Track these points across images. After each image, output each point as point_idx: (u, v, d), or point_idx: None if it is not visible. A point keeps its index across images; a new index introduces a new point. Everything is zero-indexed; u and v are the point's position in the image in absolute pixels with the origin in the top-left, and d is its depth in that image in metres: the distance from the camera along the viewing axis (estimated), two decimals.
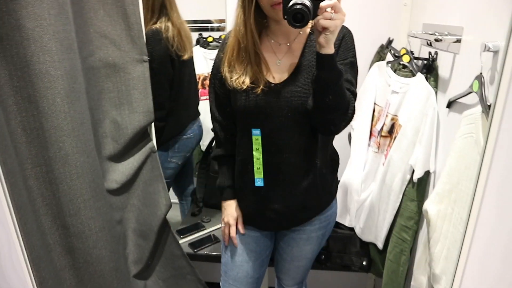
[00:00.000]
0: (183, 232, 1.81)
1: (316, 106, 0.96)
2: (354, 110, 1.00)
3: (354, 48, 1.03)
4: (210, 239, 1.79)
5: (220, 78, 1.08)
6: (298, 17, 0.82)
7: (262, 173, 1.09)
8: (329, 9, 0.82)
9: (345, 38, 1.01)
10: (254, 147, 1.07)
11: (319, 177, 1.10)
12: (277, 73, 1.04)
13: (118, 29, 1.27)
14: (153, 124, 1.46)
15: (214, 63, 1.14)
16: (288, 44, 1.05)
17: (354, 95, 1.01)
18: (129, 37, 1.30)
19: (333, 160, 1.20)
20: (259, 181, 1.10)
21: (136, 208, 1.49)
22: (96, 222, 1.19)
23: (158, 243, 1.59)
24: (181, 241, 1.77)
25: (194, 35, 1.91)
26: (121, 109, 1.35)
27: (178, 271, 1.65)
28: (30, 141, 1.02)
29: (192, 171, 2.01)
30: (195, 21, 1.89)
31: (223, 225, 1.24)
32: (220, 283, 1.30)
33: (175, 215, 2.00)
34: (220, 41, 1.28)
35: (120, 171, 1.39)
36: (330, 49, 0.86)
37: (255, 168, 1.09)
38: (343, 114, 0.97)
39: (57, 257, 1.15)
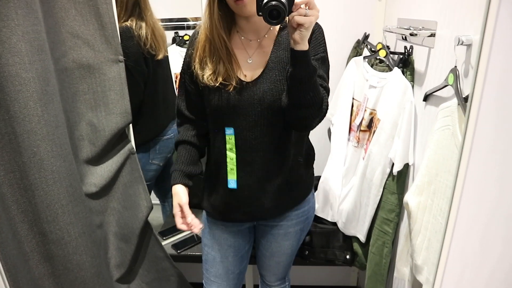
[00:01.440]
0: (166, 234, 1.79)
1: (291, 103, 0.96)
2: (327, 105, 1.00)
3: (325, 42, 1.03)
4: (194, 240, 1.77)
5: (191, 75, 1.07)
6: (274, 13, 0.81)
7: (235, 174, 1.08)
8: (303, 5, 0.82)
9: (315, 33, 1.01)
10: (228, 146, 1.06)
11: (292, 172, 1.10)
12: (248, 71, 1.03)
13: (91, 28, 1.24)
14: (131, 125, 1.43)
15: (184, 60, 1.12)
16: (259, 41, 1.04)
17: (327, 90, 1.02)
18: (103, 37, 1.26)
19: (308, 155, 1.19)
20: (232, 182, 1.09)
21: (116, 211, 1.46)
22: (75, 227, 1.16)
23: (140, 246, 1.56)
24: (164, 243, 1.74)
25: (170, 34, 1.88)
26: (97, 111, 1.32)
27: (161, 273, 1.63)
28: (2, 147, 0.98)
29: None
30: (170, 19, 1.85)
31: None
32: (203, 281, 1.29)
33: (156, 217, 1.97)
34: None
35: (99, 174, 1.35)
36: (304, 46, 0.86)
37: (228, 169, 1.08)
38: (318, 110, 0.97)
39: (35, 265, 1.12)
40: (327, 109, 1.00)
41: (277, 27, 1.04)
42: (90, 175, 1.33)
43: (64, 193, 1.11)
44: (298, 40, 0.85)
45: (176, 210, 1.14)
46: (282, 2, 0.80)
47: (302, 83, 0.91)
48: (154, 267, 1.61)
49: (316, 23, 1.00)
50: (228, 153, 1.07)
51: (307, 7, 0.82)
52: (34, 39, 0.98)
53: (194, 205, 1.90)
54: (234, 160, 1.07)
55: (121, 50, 1.31)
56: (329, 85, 1.04)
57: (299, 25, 0.83)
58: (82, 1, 1.19)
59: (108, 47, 1.28)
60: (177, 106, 1.17)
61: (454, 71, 0.92)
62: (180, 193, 1.13)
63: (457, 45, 0.89)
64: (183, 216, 1.13)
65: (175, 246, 1.73)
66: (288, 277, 1.39)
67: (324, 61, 1.03)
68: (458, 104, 0.89)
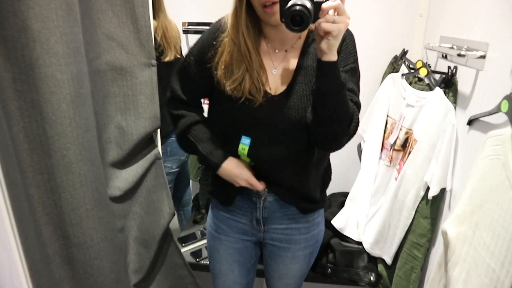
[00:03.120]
0: (185, 240, 1.77)
1: (317, 119, 0.88)
2: (358, 122, 0.92)
3: (356, 52, 0.95)
4: None
5: (204, 67, 0.98)
6: (297, 19, 0.74)
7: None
8: (331, 11, 0.75)
9: (346, 41, 0.92)
10: (243, 154, 0.99)
11: (310, 193, 1.05)
12: (273, 83, 0.96)
13: (126, 31, 1.22)
14: (158, 130, 1.41)
15: (197, 44, 1.01)
16: (286, 51, 0.96)
17: (358, 105, 0.93)
18: (137, 40, 1.25)
19: (324, 178, 1.12)
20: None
21: (138, 216, 1.44)
22: (98, 232, 1.14)
23: (160, 252, 1.54)
24: (182, 250, 1.72)
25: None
26: (126, 114, 1.30)
27: (179, 281, 1.61)
28: (33, 148, 0.97)
29: (188, 177, 1.95)
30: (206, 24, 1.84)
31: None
32: None
33: (171, 224, 1.94)
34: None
35: (124, 178, 1.34)
36: (333, 56, 0.79)
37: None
38: (347, 127, 0.89)
39: (56, 268, 1.11)
40: (357, 126, 0.92)
41: (305, 35, 0.96)
42: (115, 178, 1.31)
43: (90, 197, 1.10)
44: (326, 49, 0.78)
45: (250, 179, 1.02)
46: (306, 7, 0.73)
47: (329, 97, 0.83)
48: (172, 274, 1.59)
49: (347, 30, 0.92)
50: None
51: (335, 13, 0.75)
52: (71, 40, 0.97)
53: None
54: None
55: (154, 54, 1.29)
56: (362, 100, 0.96)
57: (327, 33, 0.76)
58: (119, 3, 1.18)
59: (142, 51, 1.26)
60: (172, 89, 1.07)
61: (509, 98, 0.86)
62: (236, 168, 1.02)
63: None
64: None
65: (194, 254, 1.71)
66: None
67: (355, 73, 0.95)
68: None
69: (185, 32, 1.82)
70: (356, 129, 0.92)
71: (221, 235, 1.16)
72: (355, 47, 0.95)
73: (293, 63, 0.96)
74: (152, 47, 1.27)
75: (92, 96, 1.14)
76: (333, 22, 0.75)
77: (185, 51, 1.66)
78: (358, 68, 0.96)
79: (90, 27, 1.13)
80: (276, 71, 0.96)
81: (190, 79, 1.03)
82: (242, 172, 1.01)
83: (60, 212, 1.06)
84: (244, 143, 0.98)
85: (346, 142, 0.93)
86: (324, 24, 0.75)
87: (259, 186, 1.02)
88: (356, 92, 0.95)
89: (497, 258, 0.86)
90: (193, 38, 1.76)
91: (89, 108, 1.09)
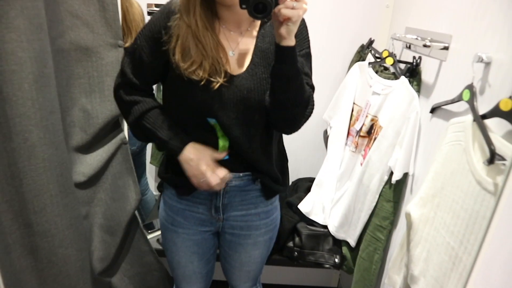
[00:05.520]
0: (151, 227, 1.74)
1: (276, 103, 0.90)
2: (313, 105, 0.95)
3: (309, 37, 0.97)
4: None
5: (158, 50, 0.93)
6: (260, 7, 0.76)
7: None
8: None
9: (300, 27, 0.94)
10: (219, 134, 0.97)
11: (272, 174, 1.05)
12: (232, 64, 0.94)
13: (91, 9, 1.16)
14: None
15: (148, 25, 0.95)
16: (241, 33, 0.96)
17: (313, 88, 0.97)
18: (103, 19, 1.19)
19: (281, 159, 1.13)
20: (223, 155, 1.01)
21: (103, 202, 1.39)
22: (63, 219, 1.10)
23: (126, 239, 1.50)
24: (149, 236, 1.69)
25: None
26: (91, 97, 1.25)
27: (145, 268, 1.58)
28: None
29: (144, 166, 1.90)
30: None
31: (201, 180, 0.98)
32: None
33: None
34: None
35: (88, 163, 1.29)
36: (291, 41, 0.81)
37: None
38: (304, 110, 0.92)
39: (17, 258, 1.05)
40: (313, 108, 0.95)
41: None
42: (79, 163, 1.26)
43: (54, 183, 1.05)
44: (285, 35, 0.79)
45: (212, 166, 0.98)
46: None
47: (289, 81, 0.85)
48: (138, 261, 1.56)
49: None
50: (220, 141, 0.98)
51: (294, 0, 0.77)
52: (34, 15, 0.91)
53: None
54: (226, 146, 0.98)
55: (121, 35, 1.24)
56: (329, 87, 1.00)
57: (286, 19, 0.77)
58: None
59: (108, 30, 1.21)
60: (123, 71, 1.00)
61: (471, 87, 0.91)
62: (200, 152, 0.97)
63: (476, 62, 0.89)
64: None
65: (160, 240, 1.68)
66: (259, 280, 1.32)
67: (309, 57, 0.98)
68: (474, 121, 0.89)
69: (150, 14, 1.76)
70: (311, 112, 0.95)
71: (177, 227, 1.11)
72: (308, 33, 0.97)
73: (250, 45, 0.95)
74: (119, 27, 1.22)
75: (55, 77, 1.08)
76: (292, 8, 0.76)
77: None
78: (311, 53, 0.98)
79: (52, 3, 1.06)
80: (233, 53, 0.95)
81: (142, 62, 0.96)
82: (205, 155, 0.97)
83: (21, 199, 1.00)
84: (213, 122, 0.95)
85: (302, 124, 0.96)
86: (284, 10, 0.76)
87: (222, 172, 0.98)
88: (310, 75, 0.97)
89: (456, 237, 0.92)
90: None
91: (53, 89, 1.03)
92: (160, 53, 0.93)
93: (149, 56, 0.95)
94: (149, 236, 1.69)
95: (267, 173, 1.05)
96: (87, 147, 1.28)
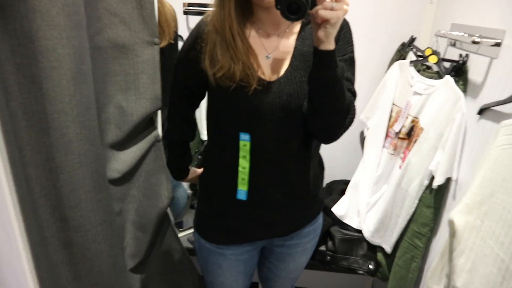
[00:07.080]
0: (182, 225, 1.74)
1: (313, 110, 0.85)
2: (354, 113, 0.89)
3: (353, 41, 0.92)
4: None
5: (193, 69, 0.96)
6: (294, 7, 0.71)
7: (247, 184, 0.95)
8: None
9: (344, 30, 0.89)
10: (241, 154, 0.93)
11: (312, 185, 1.01)
12: (266, 69, 0.90)
13: (129, 7, 1.17)
14: (159, 112, 1.37)
15: (179, 62, 1.05)
16: (279, 35, 0.91)
17: (355, 95, 0.91)
18: (140, 17, 1.20)
19: (321, 167, 1.09)
20: (242, 193, 0.96)
21: (136, 199, 1.40)
22: (96, 215, 1.11)
23: (157, 236, 1.51)
24: (180, 235, 1.69)
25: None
26: (127, 94, 1.26)
27: (176, 266, 1.59)
28: (31, 125, 0.92)
29: None
30: (208, 5, 1.78)
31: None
32: None
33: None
34: None
35: (122, 160, 1.30)
36: (330, 45, 0.75)
37: (239, 179, 0.95)
38: (343, 119, 0.86)
39: (53, 252, 1.07)
40: (354, 117, 0.89)
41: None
42: (113, 160, 1.27)
43: (89, 179, 1.06)
44: (323, 38, 0.74)
45: None
46: None
47: (327, 87, 0.79)
48: (169, 259, 1.56)
49: (344, 19, 0.87)
50: (240, 161, 0.93)
51: (334, 0, 0.71)
52: (73, 13, 0.92)
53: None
54: (247, 169, 0.93)
55: (157, 32, 1.24)
56: (368, 87, 0.95)
57: (324, 21, 0.72)
58: None
59: (145, 28, 1.21)
60: (171, 100, 1.12)
61: None
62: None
63: None
64: None
65: (191, 239, 1.68)
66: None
67: (352, 62, 0.92)
68: None
69: (186, 13, 1.76)
70: (352, 121, 0.89)
71: (225, 250, 1.07)
72: (352, 36, 0.92)
73: (289, 47, 0.91)
74: (156, 24, 1.23)
75: (92, 74, 1.09)
76: (331, 9, 0.71)
77: (185, 33, 1.61)
78: (355, 58, 0.93)
79: (91, 0, 1.07)
80: (270, 56, 0.91)
81: (184, 91, 1.09)
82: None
83: (58, 193, 1.01)
84: (244, 139, 0.92)
85: (342, 134, 0.90)
86: (321, 11, 0.71)
87: None
88: (353, 81, 0.92)
89: (507, 248, 0.85)
90: (194, 20, 1.70)
91: (90, 86, 1.04)
92: (197, 72, 0.95)
93: (188, 79, 1.02)
94: (180, 235, 1.69)
95: (303, 198, 1.01)
96: (121, 144, 1.29)
